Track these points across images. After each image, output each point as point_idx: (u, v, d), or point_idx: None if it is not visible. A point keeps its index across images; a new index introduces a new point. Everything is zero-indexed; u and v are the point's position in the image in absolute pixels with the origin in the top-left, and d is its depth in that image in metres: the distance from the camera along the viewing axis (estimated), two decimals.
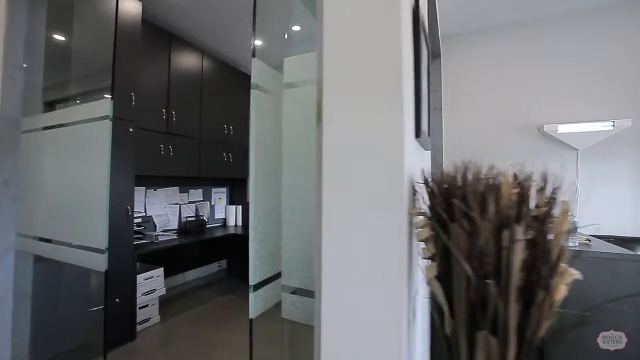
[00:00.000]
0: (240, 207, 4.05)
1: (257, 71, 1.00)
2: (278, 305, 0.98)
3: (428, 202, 0.68)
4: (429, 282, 0.67)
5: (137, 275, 2.44)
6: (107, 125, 1.33)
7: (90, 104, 1.36)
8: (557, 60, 2.71)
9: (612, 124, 2.47)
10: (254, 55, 1.00)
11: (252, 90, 0.97)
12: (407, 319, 0.68)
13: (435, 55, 2.41)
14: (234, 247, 3.92)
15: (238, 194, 4.17)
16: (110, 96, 1.40)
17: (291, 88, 1.00)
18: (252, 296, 0.91)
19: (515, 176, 0.61)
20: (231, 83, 3.79)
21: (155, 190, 3.13)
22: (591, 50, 2.62)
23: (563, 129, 2.59)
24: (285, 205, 0.96)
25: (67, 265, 1.48)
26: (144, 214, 2.94)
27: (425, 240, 0.68)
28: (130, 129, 2.30)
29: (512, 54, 2.85)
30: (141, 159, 2.59)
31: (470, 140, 2.96)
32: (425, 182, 0.69)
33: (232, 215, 3.99)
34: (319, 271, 0.71)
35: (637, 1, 2.50)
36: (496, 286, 0.54)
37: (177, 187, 3.40)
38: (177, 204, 3.38)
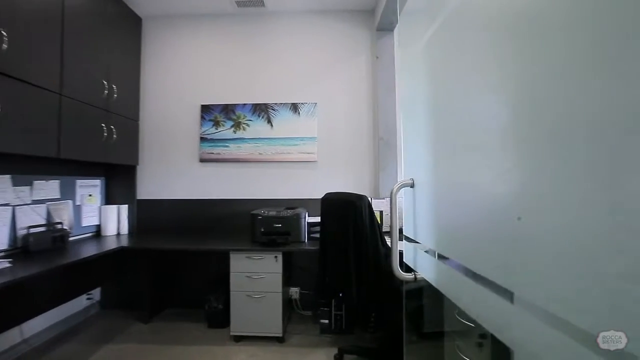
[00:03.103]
0: (125, 207, 2.76)
1: None
2: None
3: None
4: None
5: None
6: None
7: None
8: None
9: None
10: None
11: None
12: None
13: None
14: (116, 267, 2.63)
15: (120, 188, 2.85)
16: None
17: None
18: None
19: None
20: (114, 21, 2.50)
21: None
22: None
23: None
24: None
25: None
26: None
27: None
28: None
29: None
30: None
31: None
32: None
33: (112, 220, 2.67)
34: None
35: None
36: None
37: (9, 176, 1.95)
38: (8, 205, 1.93)
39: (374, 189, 2.87)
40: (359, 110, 2.92)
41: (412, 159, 0.90)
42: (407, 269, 0.96)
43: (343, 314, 2.33)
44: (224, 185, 2.90)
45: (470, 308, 0.63)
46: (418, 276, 0.87)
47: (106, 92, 2.34)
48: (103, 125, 2.32)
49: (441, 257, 0.72)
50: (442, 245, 0.72)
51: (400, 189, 0.88)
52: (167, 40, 2.97)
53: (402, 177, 2.81)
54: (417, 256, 0.87)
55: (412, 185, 0.89)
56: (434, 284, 0.75)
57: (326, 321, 2.38)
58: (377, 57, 2.86)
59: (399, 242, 0.88)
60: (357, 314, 2.20)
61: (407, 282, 0.89)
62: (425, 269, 0.82)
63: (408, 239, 0.95)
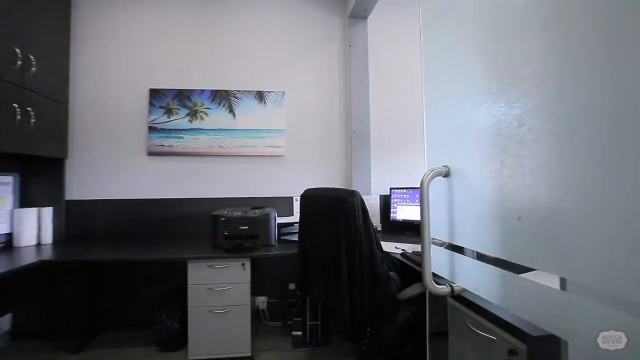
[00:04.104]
0: (49, 209, 2.23)
1: None
2: None
3: None
4: None
5: None
6: None
7: None
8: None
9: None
10: None
11: None
12: None
13: None
14: (34, 286, 2.10)
15: (42, 187, 2.30)
16: None
17: None
18: None
19: None
20: None
21: None
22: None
23: None
24: None
25: None
26: None
27: None
28: None
29: None
30: None
31: None
32: None
33: (30, 227, 2.13)
34: None
35: None
36: None
37: None
38: None
39: (346, 185, 2.69)
40: (330, 101, 2.72)
41: (443, 143, 0.71)
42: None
43: (319, 323, 2.11)
44: (177, 183, 2.50)
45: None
46: (456, 288, 0.68)
47: (19, 63, 1.84)
48: (15, 105, 1.81)
49: (511, 264, 0.54)
50: (510, 251, 0.53)
51: (433, 178, 0.69)
52: (108, 10, 2.48)
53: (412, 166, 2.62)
54: (455, 263, 0.69)
55: (446, 174, 0.70)
56: (496, 301, 0.56)
57: (299, 333, 2.14)
58: (349, 46, 2.69)
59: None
60: (351, 327, 1.93)
61: (441, 296, 0.70)
62: (472, 279, 0.63)
63: (436, 243, 0.75)
